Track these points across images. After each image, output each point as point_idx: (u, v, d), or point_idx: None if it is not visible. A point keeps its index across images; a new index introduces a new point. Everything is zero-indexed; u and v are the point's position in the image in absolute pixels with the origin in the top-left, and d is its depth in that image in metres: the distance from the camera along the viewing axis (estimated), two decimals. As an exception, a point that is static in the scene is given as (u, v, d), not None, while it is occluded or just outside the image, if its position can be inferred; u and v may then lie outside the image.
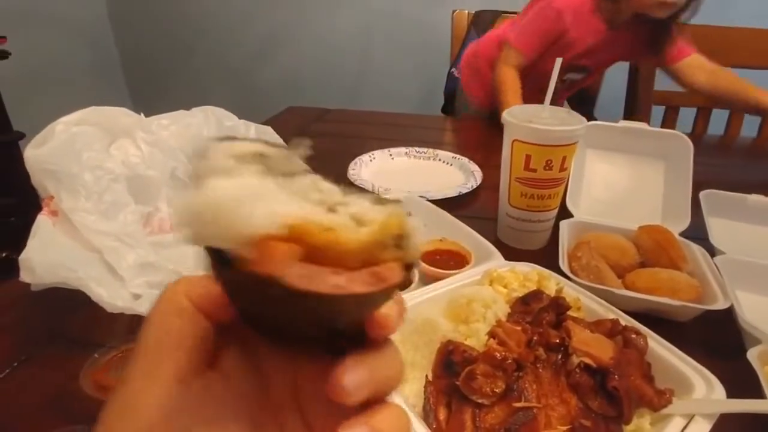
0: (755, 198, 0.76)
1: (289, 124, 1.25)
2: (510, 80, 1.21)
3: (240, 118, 0.79)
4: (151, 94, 2.60)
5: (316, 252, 0.15)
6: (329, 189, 0.16)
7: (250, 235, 0.14)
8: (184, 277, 0.20)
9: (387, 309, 0.18)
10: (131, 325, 0.53)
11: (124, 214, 0.55)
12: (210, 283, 0.19)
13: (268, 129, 0.81)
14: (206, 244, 0.14)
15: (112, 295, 0.45)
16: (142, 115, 0.64)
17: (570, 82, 1.31)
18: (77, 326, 0.54)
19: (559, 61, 0.64)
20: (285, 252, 0.14)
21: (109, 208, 0.53)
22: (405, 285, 0.17)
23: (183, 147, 0.72)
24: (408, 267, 0.16)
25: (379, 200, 0.16)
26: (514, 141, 0.65)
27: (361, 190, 0.16)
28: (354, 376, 0.17)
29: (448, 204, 0.80)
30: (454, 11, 1.49)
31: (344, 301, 0.15)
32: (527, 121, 0.63)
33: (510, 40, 1.23)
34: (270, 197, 0.14)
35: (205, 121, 0.77)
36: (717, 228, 0.68)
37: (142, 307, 0.45)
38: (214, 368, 0.20)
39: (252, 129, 0.79)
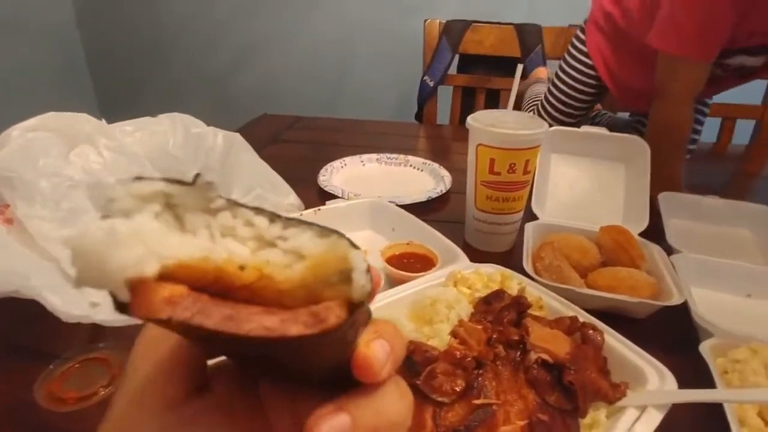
0: (710, 200, 0.79)
1: (262, 132, 1.25)
2: (685, 133, 0.85)
3: (216, 126, 0.79)
4: (122, 103, 2.55)
5: (245, 291, 0.14)
6: (264, 223, 0.15)
7: (123, 278, 0.13)
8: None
9: (368, 349, 0.17)
10: (90, 335, 0.52)
11: (84, 221, 0.54)
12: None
13: (237, 136, 0.80)
14: (87, 285, 0.13)
15: (68, 304, 0.44)
16: (104, 121, 0.63)
17: (734, 69, 0.91)
18: (34, 337, 0.53)
19: (520, 67, 0.66)
20: (162, 294, 0.13)
21: (68, 216, 0.52)
22: (351, 324, 0.15)
23: (149, 154, 0.72)
24: (353, 306, 0.14)
25: (322, 233, 0.15)
26: (478, 145, 0.66)
27: (304, 223, 0.15)
28: (329, 426, 0.16)
29: (418, 209, 0.81)
30: (425, 20, 1.52)
31: (284, 344, 0.14)
32: (490, 125, 0.64)
33: (674, 49, 0.81)
34: (154, 237, 0.14)
35: (171, 128, 0.76)
36: (674, 228, 0.71)
37: (99, 316, 0.44)
38: (206, 392, 0.19)
39: (219, 136, 0.79)
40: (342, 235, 0.15)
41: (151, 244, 0.13)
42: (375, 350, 0.17)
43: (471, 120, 0.67)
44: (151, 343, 0.19)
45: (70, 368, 0.48)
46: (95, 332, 0.50)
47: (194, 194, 0.15)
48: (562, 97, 1.21)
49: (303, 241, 0.15)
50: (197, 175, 0.15)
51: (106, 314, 0.45)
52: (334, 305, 0.14)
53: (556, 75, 1.24)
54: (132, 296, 0.13)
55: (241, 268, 0.14)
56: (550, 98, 1.25)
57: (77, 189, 0.55)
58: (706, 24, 0.78)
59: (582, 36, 1.14)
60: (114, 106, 2.52)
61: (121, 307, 0.13)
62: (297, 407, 0.19)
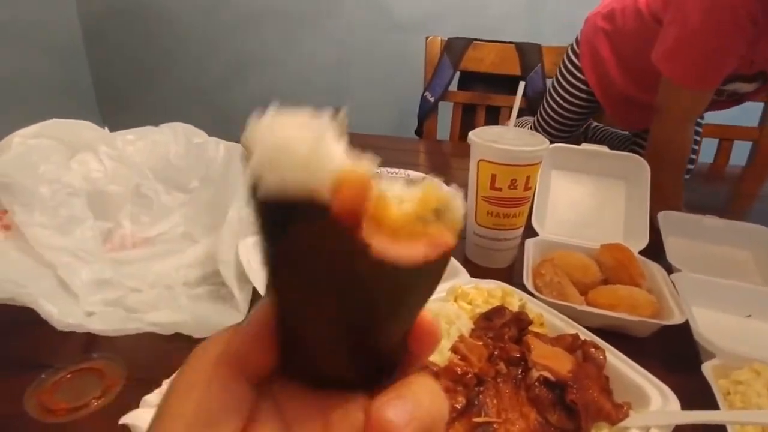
0: (710, 219, 0.79)
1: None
2: (685, 152, 0.87)
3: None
4: (123, 116, 2.54)
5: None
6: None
7: (329, 173, 0.13)
8: (213, 338, 0.18)
9: (428, 317, 0.18)
10: (83, 344, 0.51)
11: (82, 229, 0.53)
12: (247, 333, 0.17)
13: (239, 147, 0.80)
14: (283, 191, 0.13)
15: (63, 312, 0.44)
16: (106, 129, 0.63)
17: (728, 94, 0.92)
18: (26, 346, 0.52)
19: (521, 84, 0.67)
20: (367, 171, 0.13)
21: (65, 223, 0.51)
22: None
23: (150, 163, 0.72)
24: (456, 233, 0.15)
25: (410, 183, 0.16)
26: (480, 161, 0.66)
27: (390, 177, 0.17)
28: (397, 411, 0.16)
29: (417, 223, 0.81)
30: (427, 38, 1.54)
31: (406, 276, 0.15)
32: (492, 141, 0.65)
33: (678, 79, 0.81)
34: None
35: (173, 137, 0.76)
36: (674, 246, 0.71)
37: (94, 325, 0.44)
38: None
39: (221, 147, 0.79)
40: (431, 179, 0.16)
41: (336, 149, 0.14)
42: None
43: (473, 135, 0.67)
44: (191, 393, 0.17)
45: (62, 378, 0.47)
46: (88, 342, 0.49)
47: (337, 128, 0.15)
48: (555, 115, 1.23)
49: (397, 189, 0.15)
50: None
51: (100, 323, 0.44)
52: (444, 230, 0.15)
53: (549, 92, 1.26)
54: (334, 194, 0.13)
55: (401, 201, 0.15)
56: (544, 115, 1.26)
57: (77, 196, 0.54)
58: (715, 54, 0.77)
59: (576, 50, 1.16)
60: (117, 120, 2.52)
61: (316, 213, 0.13)
62: (329, 417, 0.17)
